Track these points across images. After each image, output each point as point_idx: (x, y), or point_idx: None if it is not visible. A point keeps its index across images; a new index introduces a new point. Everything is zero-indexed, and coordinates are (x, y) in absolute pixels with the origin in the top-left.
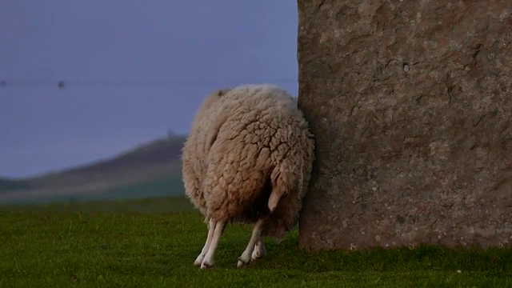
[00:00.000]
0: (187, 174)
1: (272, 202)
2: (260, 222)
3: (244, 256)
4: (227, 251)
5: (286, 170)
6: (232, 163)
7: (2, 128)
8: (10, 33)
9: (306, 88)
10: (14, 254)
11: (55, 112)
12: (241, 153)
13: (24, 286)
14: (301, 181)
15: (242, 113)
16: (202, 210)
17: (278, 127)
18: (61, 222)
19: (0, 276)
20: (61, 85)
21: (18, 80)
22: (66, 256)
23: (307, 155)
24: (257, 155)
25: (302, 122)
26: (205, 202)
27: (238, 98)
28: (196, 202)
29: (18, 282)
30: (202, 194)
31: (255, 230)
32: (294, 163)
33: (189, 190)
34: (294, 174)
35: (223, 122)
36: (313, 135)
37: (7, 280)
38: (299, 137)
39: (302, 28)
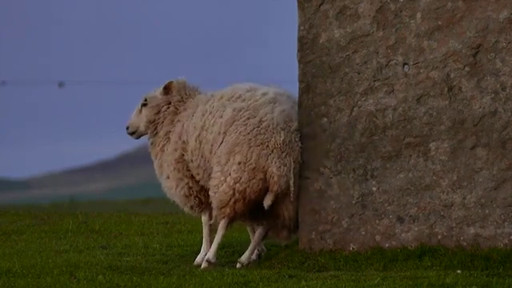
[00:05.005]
0: (178, 173)
1: (267, 200)
2: (263, 225)
3: (244, 258)
4: (227, 251)
5: (278, 172)
6: (239, 164)
7: (2, 128)
8: (10, 33)
9: (306, 88)
10: (14, 254)
11: (55, 112)
12: (247, 154)
13: (24, 286)
14: (291, 182)
15: (248, 118)
16: (191, 211)
17: (273, 133)
18: (61, 222)
19: (0, 276)
20: (61, 85)
21: (18, 80)
22: (66, 256)
23: (296, 158)
24: (259, 157)
25: (295, 125)
26: (199, 202)
27: (245, 101)
28: (187, 202)
29: (17, 281)
30: (197, 193)
31: (258, 233)
32: (285, 165)
33: (179, 191)
34: (285, 175)
35: (231, 126)
36: (298, 140)
37: (7, 280)
38: (290, 141)
39: (301, 28)
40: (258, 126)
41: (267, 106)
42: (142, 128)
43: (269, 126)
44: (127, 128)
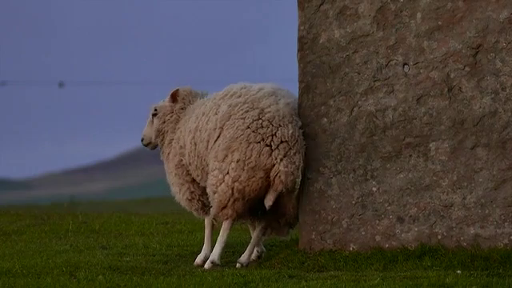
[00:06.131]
0: (179, 178)
1: (268, 200)
2: (262, 224)
3: (243, 259)
4: (227, 251)
5: (285, 169)
6: (238, 162)
7: (2, 128)
8: (10, 33)
9: (306, 88)
10: (14, 254)
11: (55, 112)
12: (246, 152)
13: (24, 286)
14: (298, 180)
15: (247, 111)
16: (196, 213)
17: (280, 126)
18: (61, 222)
19: (0, 276)
20: (61, 85)
21: (18, 80)
22: (65, 256)
23: (304, 155)
24: (259, 155)
25: (300, 122)
26: (202, 205)
27: (240, 96)
28: (191, 206)
29: (17, 282)
30: (200, 196)
31: (256, 233)
32: (294, 163)
33: (182, 195)
34: (292, 173)
35: (227, 121)
36: (303, 138)
37: (7, 280)
38: (298, 136)
39: (301, 28)
40: (259, 119)
41: (269, 98)
42: (155, 138)
43: (274, 119)
44: (142, 139)
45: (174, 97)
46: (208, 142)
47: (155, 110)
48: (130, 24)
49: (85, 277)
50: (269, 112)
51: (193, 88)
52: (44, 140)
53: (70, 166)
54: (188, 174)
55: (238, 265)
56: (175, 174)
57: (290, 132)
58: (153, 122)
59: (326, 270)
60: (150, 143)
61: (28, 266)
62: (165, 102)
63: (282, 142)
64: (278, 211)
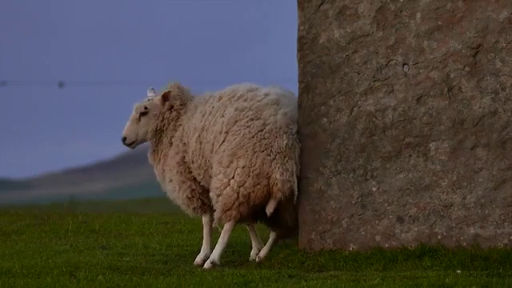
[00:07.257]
0: (181, 176)
1: (269, 208)
2: (277, 232)
3: (262, 254)
4: (227, 251)
5: (281, 178)
6: (243, 168)
7: (2, 128)
8: (10, 33)
9: (305, 88)
10: (13, 254)
11: (55, 112)
12: (251, 159)
13: (24, 286)
14: (295, 185)
15: (252, 120)
16: (194, 213)
17: (276, 137)
18: (61, 222)
19: (0, 276)
20: (61, 85)
21: (18, 80)
22: (65, 256)
23: (297, 160)
24: (263, 163)
25: (295, 128)
26: (202, 203)
27: (247, 100)
28: (190, 204)
29: (17, 282)
30: (200, 195)
31: (271, 238)
32: (287, 169)
33: (182, 193)
34: (288, 180)
35: (233, 126)
36: (298, 142)
37: (7, 280)
38: (292, 144)
39: (301, 28)
40: (262, 130)
41: (270, 108)
42: (141, 137)
43: (272, 130)
44: (124, 139)
45: (166, 98)
46: (213, 144)
47: (145, 108)
48: (130, 24)
49: (85, 277)
50: (268, 124)
51: (185, 86)
52: (44, 140)
53: (70, 165)
54: (190, 171)
55: (256, 258)
56: (177, 172)
57: (285, 142)
58: (139, 120)
59: (325, 269)
60: (133, 142)
61: (28, 266)
62: (154, 100)
63: (278, 152)
64: (278, 218)
